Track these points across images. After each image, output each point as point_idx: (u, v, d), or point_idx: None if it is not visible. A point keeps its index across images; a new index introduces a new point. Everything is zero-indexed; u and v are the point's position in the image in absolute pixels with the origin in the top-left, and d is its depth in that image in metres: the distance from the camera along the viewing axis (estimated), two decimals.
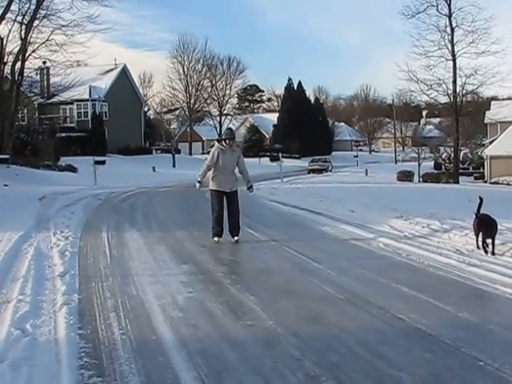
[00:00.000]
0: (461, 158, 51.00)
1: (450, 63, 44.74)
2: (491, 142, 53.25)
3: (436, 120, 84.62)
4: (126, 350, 5.47)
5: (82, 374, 4.90)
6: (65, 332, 5.98)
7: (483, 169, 51.10)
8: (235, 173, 11.85)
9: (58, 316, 6.59)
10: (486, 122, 57.41)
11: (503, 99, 70.15)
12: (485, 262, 9.02)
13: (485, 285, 7.70)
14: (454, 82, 44.63)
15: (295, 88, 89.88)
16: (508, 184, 40.45)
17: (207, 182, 11.79)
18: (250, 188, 12.23)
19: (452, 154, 49.30)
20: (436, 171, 54.86)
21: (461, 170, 48.64)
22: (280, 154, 46.75)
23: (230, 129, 12.28)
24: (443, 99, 47.80)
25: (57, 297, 7.47)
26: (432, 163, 60.51)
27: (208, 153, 14.47)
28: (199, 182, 11.80)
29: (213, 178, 11.65)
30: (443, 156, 55.88)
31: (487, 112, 56.89)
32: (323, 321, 6.29)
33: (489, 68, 43.38)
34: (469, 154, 58.11)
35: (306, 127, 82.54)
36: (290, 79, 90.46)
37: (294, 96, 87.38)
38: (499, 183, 41.43)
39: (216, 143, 11.88)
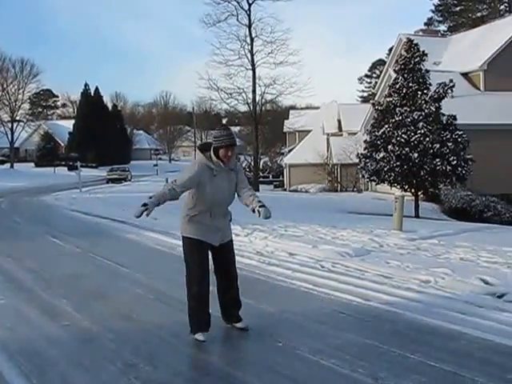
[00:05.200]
0: (261, 167, 52.70)
1: (250, 72, 45.90)
2: (290, 151, 55.58)
3: (236, 128, 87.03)
4: None
5: None
6: None
7: (283, 177, 53.13)
8: (229, 210, 6.38)
9: None
10: (284, 130, 59.97)
11: (301, 108, 73.79)
12: (283, 262, 9.89)
13: (283, 281, 8.56)
14: (254, 91, 45.93)
15: (92, 94, 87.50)
16: (306, 191, 42.59)
17: (184, 225, 6.20)
18: (262, 207, 5.88)
19: (252, 163, 50.73)
20: None
21: (261, 179, 50.13)
22: (79, 163, 45.91)
23: (228, 128, 6.09)
24: (243, 108, 49.06)
25: None
26: None
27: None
28: (145, 204, 5.75)
29: (192, 219, 6.06)
30: (243, 164, 57.37)
31: (286, 121, 59.48)
32: (136, 318, 6.70)
33: (287, 78, 45.21)
34: (268, 163, 60.38)
35: (104, 135, 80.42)
36: (86, 84, 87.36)
37: (90, 102, 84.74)
38: (298, 191, 43.44)
39: (200, 155, 5.99)
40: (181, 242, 12.25)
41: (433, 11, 77.47)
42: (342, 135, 46.51)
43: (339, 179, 43.24)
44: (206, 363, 5.24)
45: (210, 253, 6.16)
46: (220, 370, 5.08)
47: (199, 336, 5.81)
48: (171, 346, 5.74)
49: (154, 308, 7.23)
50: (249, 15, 45.72)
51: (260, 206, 5.84)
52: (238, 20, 45.95)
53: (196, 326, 5.86)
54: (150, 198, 5.77)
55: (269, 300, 7.45)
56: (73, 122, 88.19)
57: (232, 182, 6.06)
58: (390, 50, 47.33)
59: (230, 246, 6.34)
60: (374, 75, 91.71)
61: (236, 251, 10.94)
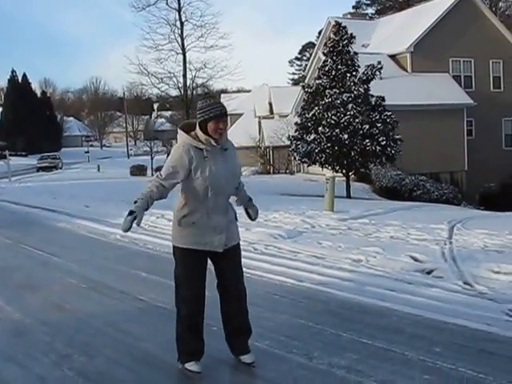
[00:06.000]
0: None
1: (181, 57, 45.58)
2: None
3: (168, 113, 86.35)
4: None
5: None
6: None
7: None
8: (231, 203, 4.99)
9: None
10: None
11: (232, 92, 73.93)
12: None
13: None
14: (185, 76, 45.69)
15: (20, 81, 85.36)
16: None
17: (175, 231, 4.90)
18: (252, 208, 5.17)
19: None
20: None
21: None
22: (7, 152, 44.85)
23: (214, 97, 4.49)
24: (174, 92, 48.69)
25: None
26: (165, 156, 61.72)
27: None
28: (132, 212, 4.48)
29: (184, 221, 4.72)
30: None
31: None
32: (69, 308, 6.63)
33: (217, 62, 45.16)
34: None
35: (33, 123, 78.54)
36: (13, 71, 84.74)
37: (18, 89, 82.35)
38: None
39: (184, 136, 4.70)
40: (113, 229, 12.43)
41: None
42: (273, 118, 46.77)
43: (272, 162, 43.53)
44: (142, 350, 5.23)
45: (210, 261, 4.80)
46: (155, 356, 5.09)
47: (191, 366, 4.71)
48: (106, 334, 5.70)
49: (88, 297, 7.16)
50: None
51: (249, 204, 5.13)
52: (167, 4, 45.46)
53: (185, 356, 4.75)
54: (135, 202, 4.53)
55: None
56: (0, 109, 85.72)
57: (229, 166, 4.67)
58: (320, 32, 47.72)
59: (235, 252, 4.87)
60: (305, 58, 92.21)
61: (168, 236, 11.00)
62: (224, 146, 4.66)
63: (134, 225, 4.45)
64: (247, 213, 5.14)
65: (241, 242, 4.99)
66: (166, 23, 45.59)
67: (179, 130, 4.71)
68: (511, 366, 4.69)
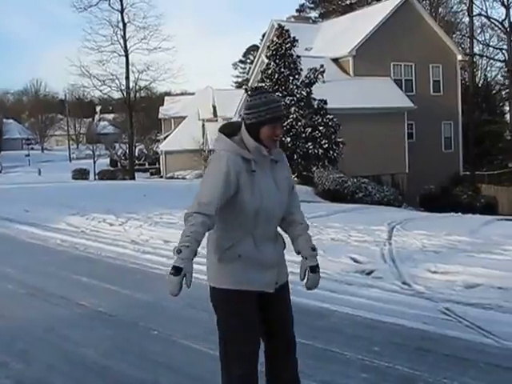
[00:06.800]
0: (136, 154, 52.51)
1: (123, 59, 45.56)
2: (166, 137, 55.39)
3: (110, 116, 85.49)
4: None
5: None
6: None
7: (159, 164, 52.78)
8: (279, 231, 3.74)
9: None
10: (160, 117, 59.78)
11: (176, 95, 73.74)
12: (158, 249, 9.91)
13: (158, 268, 8.56)
14: (127, 78, 45.59)
15: None
16: (183, 178, 42.48)
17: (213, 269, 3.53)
18: (315, 269, 3.71)
19: (127, 150, 50.36)
20: (112, 168, 55.48)
21: (137, 166, 49.85)
22: None
23: (269, 92, 3.54)
24: (117, 95, 48.66)
25: None
26: (108, 160, 61.16)
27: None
28: (179, 269, 3.02)
29: (225, 256, 3.43)
30: (119, 152, 56.80)
31: (161, 107, 59.42)
32: (7, 315, 6.52)
33: (161, 64, 45.46)
34: (144, 150, 60.02)
35: None
36: None
37: None
38: (175, 178, 43.24)
39: (225, 141, 3.44)
40: (54, 234, 12.26)
41: None
42: (217, 121, 46.63)
43: None
44: (81, 356, 5.18)
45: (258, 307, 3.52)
46: (95, 361, 5.04)
47: None
48: (45, 341, 5.61)
49: (27, 303, 7.05)
50: (121, 0, 45.12)
51: (312, 268, 3.67)
52: (109, 5, 45.37)
53: None
54: (179, 251, 3.08)
55: (144, 289, 7.46)
56: None
57: (280, 182, 3.53)
58: (264, 35, 47.94)
59: (286, 291, 3.71)
60: (249, 61, 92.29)
61: (110, 241, 11.13)
62: (276, 158, 3.58)
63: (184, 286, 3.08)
64: (303, 272, 3.66)
65: None
66: (108, 24, 45.56)
67: (219, 134, 3.50)
68: (446, 363, 4.80)
